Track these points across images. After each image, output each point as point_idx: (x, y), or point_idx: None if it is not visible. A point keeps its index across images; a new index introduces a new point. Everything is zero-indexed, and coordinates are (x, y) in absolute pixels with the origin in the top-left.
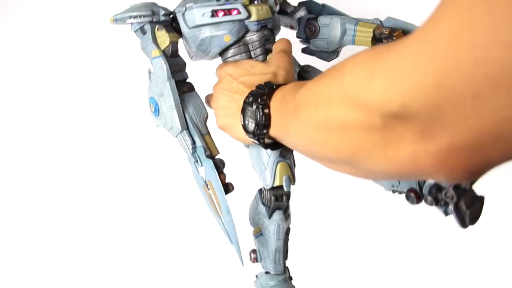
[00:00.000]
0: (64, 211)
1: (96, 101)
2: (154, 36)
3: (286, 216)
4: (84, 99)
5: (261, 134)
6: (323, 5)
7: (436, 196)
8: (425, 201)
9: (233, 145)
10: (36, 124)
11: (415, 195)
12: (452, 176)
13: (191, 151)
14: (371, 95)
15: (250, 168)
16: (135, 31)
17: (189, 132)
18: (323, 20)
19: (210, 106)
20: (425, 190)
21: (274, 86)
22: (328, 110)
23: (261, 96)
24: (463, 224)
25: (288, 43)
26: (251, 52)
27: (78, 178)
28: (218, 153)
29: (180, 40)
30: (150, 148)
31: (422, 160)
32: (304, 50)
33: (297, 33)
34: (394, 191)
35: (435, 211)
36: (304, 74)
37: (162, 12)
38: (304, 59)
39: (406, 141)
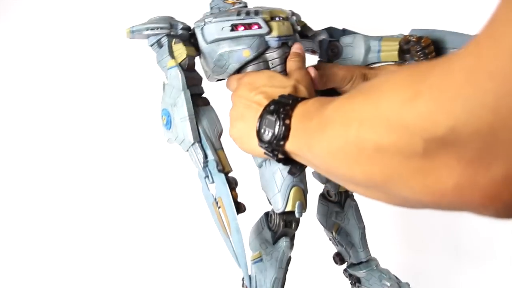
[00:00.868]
0: (65, 212)
1: (97, 102)
2: (171, 49)
3: (292, 244)
4: (85, 100)
5: (277, 146)
6: (344, 30)
7: None
8: None
9: (241, 166)
10: (37, 125)
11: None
12: (504, 212)
13: (202, 165)
14: (413, 117)
15: (256, 190)
16: (151, 45)
17: (202, 145)
18: (345, 39)
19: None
20: None
21: (299, 99)
22: (361, 130)
23: (284, 106)
24: None
25: (301, 58)
26: (270, 68)
27: (79, 180)
28: (231, 170)
29: (197, 60)
30: (150, 149)
31: (469, 193)
32: None
33: (319, 56)
34: None
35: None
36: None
37: (180, 26)
38: None
39: (451, 170)
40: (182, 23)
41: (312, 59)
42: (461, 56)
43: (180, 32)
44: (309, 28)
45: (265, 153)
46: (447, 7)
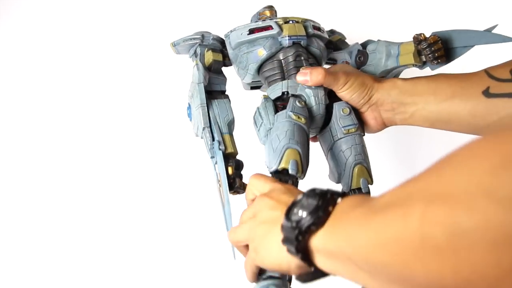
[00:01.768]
0: (65, 213)
1: (97, 103)
2: (203, 56)
3: None
4: (85, 101)
5: (305, 231)
6: (379, 41)
7: None
8: None
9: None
10: (37, 125)
11: None
12: None
13: (209, 146)
14: (508, 188)
15: None
16: (191, 56)
17: (211, 130)
18: (370, 47)
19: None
20: None
21: (348, 194)
22: (427, 213)
23: (332, 194)
24: None
25: None
26: (284, 68)
27: (79, 180)
28: (236, 152)
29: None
30: (151, 149)
31: None
32: None
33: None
34: None
35: None
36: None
37: (211, 37)
38: None
39: None
40: (215, 35)
41: None
42: None
43: (211, 42)
44: (344, 43)
45: (284, 239)
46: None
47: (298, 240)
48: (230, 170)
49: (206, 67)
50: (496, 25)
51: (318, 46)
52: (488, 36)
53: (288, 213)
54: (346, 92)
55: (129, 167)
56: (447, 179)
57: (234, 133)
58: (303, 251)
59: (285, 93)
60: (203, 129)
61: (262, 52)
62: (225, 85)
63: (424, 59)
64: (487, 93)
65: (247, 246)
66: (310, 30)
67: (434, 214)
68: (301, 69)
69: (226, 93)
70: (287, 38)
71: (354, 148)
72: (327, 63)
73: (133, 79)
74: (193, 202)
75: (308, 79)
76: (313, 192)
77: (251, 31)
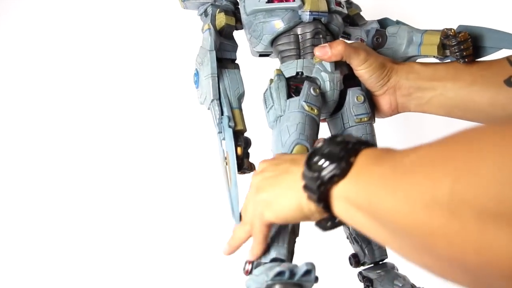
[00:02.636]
0: (65, 212)
1: (98, 103)
2: (214, 18)
3: None
4: (86, 101)
5: (328, 181)
6: (397, 22)
7: None
8: None
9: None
10: (37, 125)
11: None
12: None
13: (217, 121)
14: None
15: None
16: (200, 15)
17: (220, 103)
18: (391, 29)
19: None
20: None
21: (370, 144)
22: (455, 188)
23: (353, 144)
24: None
25: None
26: (300, 44)
27: (79, 180)
28: (245, 129)
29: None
30: (151, 149)
31: None
32: None
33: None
34: None
35: None
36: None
37: None
38: None
39: None
40: None
41: None
42: None
43: (224, 3)
44: (361, 18)
45: (305, 187)
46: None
47: (320, 190)
48: (239, 150)
49: (217, 31)
50: None
51: (337, 23)
52: None
53: (309, 161)
54: (365, 71)
55: (129, 166)
56: (477, 157)
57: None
58: (325, 200)
59: (300, 73)
60: (212, 101)
61: (279, 25)
62: (236, 52)
63: (448, 54)
64: (509, 82)
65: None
66: (332, 6)
67: (463, 192)
68: (318, 46)
69: (236, 61)
70: (308, 13)
71: (365, 137)
72: (342, 37)
73: (133, 79)
74: (193, 202)
75: (327, 51)
76: (334, 140)
77: (270, 0)
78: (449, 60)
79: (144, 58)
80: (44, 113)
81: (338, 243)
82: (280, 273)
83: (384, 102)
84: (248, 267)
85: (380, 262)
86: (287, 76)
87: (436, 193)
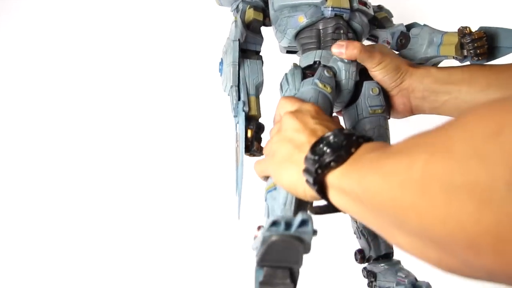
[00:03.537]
0: (65, 212)
1: (98, 103)
2: (244, 13)
3: None
4: (86, 101)
5: (325, 166)
6: (425, 25)
7: None
8: None
9: None
10: (37, 125)
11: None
12: None
13: (233, 105)
14: (498, 152)
15: None
16: (232, 10)
17: (238, 89)
18: (414, 31)
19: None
20: None
21: (373, 139)
22: (429, 164)
23: (358, 137)
24: None
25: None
26: (321, 38)
27: (79, 179)
28: (259, 115)
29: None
30: (151, 149)
31: None
32: None
33: (390, 46)
34: None
35: None
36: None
37: None
38: None
39: None
40: None
41: None
42: None
43: (254, 0)
44: (389, 21)
45: (305, 170)
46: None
47: (317, 173)
48: (249, 132)
49: (245, 24)
50: None
51: (360, 21)
52: None
53: (314, 147)
54: (379, 72)
55: (129, 166)
56: (451, 137)
57: (261, 97)
58: (320, 184)
59: (317, 62)
60: (231, 87)
61: (302, 19)
62: (261, 45)
63: (466, 53)
64: None
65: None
66: (355, 4)
67: (434, 168)
68: (337, 42)
69: (261, 54)
70: (330, 9)
71: (378, 129)
72: (368, 39)
73: (133, 79)
74: (193, 202)
75: (343, 51)
76: (340, 132)
77: None
78: (468, 63)
79: (145, 58)
80: (45, 112)
81: (343, 240)
82: (275, 223)
83: (398, 102)
84: (257, 232)
85: (385, 257)
86: (304, 65)
87: (411, 170)
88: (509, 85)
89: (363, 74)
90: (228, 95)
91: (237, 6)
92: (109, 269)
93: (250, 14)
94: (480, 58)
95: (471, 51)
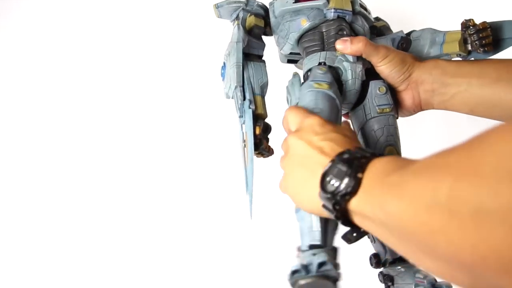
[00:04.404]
0: (66, 212)
1: (98, 103)
2: (244, 21)
3: None
4: (86, 101)
5: (342, 200)
6: (424, 28)
7: None
8: None
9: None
10: (37, 125)
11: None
12: None
13: (239, 105)
14: None
15: None
16: (232, 21)
17: (243, 89)
18: (415, 33)
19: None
20: None
21: (377, 154)
22: (455, 187)
23: (359, 159)
24: None
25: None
26: (324, 40)
27: (79, 180)
28: (265, 115)
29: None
30: (151, 149)
31: None
32: None
33: None
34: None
35: None
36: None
37: (255, 3)
38: None
39: None
40: (259, 1)
41: None
42: None
43: (255, 8)
44: (388, 29)
45: (323, 206)
46: None
47: (336, 209)
48: (257, 129)
49: (246, 30)
50: None
51: (362, 25)
52: None
53: (323, 183)
54: (386, 66)
55: (129, 166)
56: (477, 158)
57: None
58: (343, 216)
59: (322, 63)
60: (235, 87)
61: (305, 22)
62: (263, 50)
63: (470, 48)
64: None
65: None
66: (357, 7)
67: (462, 191)
68: (341, 38)
69: (263, 58)
70: (332, 10)
71: (387, 128)
72: None
73: (133, 79)
74: (193, 202)
75: (348, 46)
76: (340, 158)
77: (297, 0)
78: (473, 59)
79: (145, 58)
80: (45, 112)
81: (357, 245)
82: (295, 272)
83: (407, 97)
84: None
85: (402, 259)
86: (310, 67)
87: (437, 194)
88: None
89: (369, 74)
90: (232, 97)
91: (237, 15)
92: (112, 270)
93: (251, 20)
94: (486, 49)
95: (476, 42)
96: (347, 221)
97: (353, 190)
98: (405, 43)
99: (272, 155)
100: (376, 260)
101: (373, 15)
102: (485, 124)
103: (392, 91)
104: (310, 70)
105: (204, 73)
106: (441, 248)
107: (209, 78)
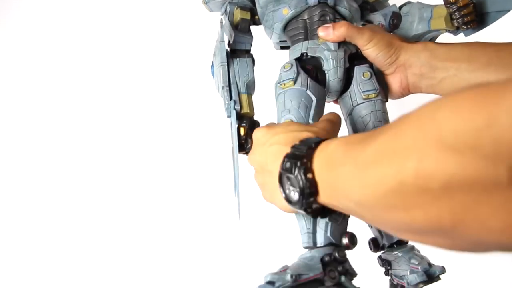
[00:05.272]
0: (66, 212)
1: (98, 103)
2: (232, 14)
3: None
4: (86, 101)
5: (309, 203)
6: (412, 3)
7: None
8: None
9: None
10: (38, 125)
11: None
12: None
13: (226, 106)
14: (494, 145)
15: None
16: (222, 14)
17: (230, 89)
18: (404, 8)
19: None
20: None
21: (313, 145)
22: (422, 164)
23: (300, 159)
24: None
25: (336, 116)
26: (308, 28)
27: (79, 179)
28: (252, 113)
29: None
30: (151, 149)
31: None
32: None
33: (384, 29)
34: None
35: None
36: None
37: None
38: None
39: None
40: None
41: None
42: None
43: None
44: (380, 4)
45: (293, 209)
46: None
47: (308, 211)
48: (242, 130)
49: (234, 25)
50: None
51: (348, 6)
52: None
53: (285, 193)
54: (372, 49)
55: (129, 166)
56: (435, 133)
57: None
58: (319, 212)
59: (304, 54)
60: (222, 87)
61: (287, 11)
62: (250, 44)
63: (456, 24)
64: None
65: None
66: None
67: (429, 165)
68: (323, 25)
69: (251, 52)
70: None
71: (374, 114)
72: (363, 25)
73: (134, 79)
74: (193, 202)
75: (330, 32)
76: (283, 167)
77: None
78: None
79: (145, 59)
80: (45, 112)
81: (357, 229)
82: (270, 283)
83: (395, 81)
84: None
85: (399, 243)
86: (293, 58)
87: (402, 177)
88: (510, 64)
89: (357, 58)
90: (221, 96)
91: (226, 9)
92: (107, 270)
93: (238, 14)
94: (469, 26)
95: (458, 20)
96: (328, 211)
97: (313, 191)
98: (396, 19)
99: None
100: (375, 244)
101: None
102: None
103: (381, 74)
104: (301, 61)
105: (200, 71)
106: (418, 221)
107: (205, 77)
